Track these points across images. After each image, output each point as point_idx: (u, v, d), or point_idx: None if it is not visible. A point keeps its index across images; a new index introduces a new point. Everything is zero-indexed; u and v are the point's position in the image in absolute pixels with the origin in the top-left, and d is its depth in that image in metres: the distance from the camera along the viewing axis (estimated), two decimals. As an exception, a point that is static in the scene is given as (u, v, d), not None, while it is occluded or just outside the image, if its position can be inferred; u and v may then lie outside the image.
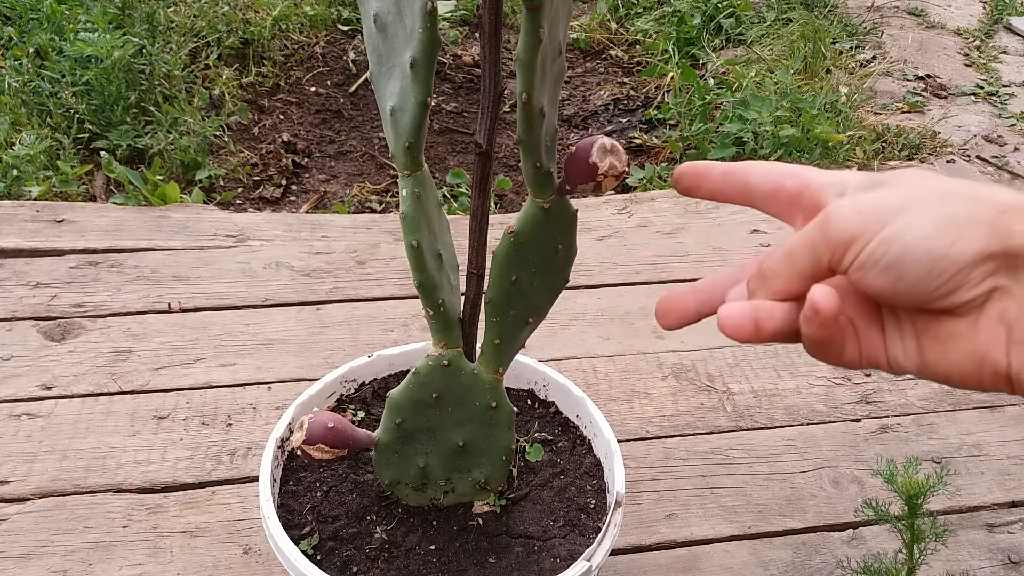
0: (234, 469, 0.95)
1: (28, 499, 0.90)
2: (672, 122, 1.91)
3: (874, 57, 2.23)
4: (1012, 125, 1.99)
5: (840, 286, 0.40)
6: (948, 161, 1.76)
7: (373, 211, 1.62)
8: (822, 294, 0.38)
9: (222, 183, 1.64)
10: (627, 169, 0.57)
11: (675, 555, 0.90)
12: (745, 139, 1.67)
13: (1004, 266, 0.37)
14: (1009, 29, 2.55)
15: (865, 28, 2.39)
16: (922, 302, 0.38)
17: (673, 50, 2.10)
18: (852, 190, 0.41)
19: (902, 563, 0.75)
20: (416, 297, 0.63)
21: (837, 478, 0.99)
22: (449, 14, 2.26)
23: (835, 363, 0.42)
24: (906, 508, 0.72)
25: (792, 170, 0.45)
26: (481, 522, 0.71)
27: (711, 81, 1.95)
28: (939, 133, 1.88)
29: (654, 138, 1.86)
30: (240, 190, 1.64)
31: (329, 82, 2.00)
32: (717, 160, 1.65)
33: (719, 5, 2.25)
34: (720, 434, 1.04)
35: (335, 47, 2.11)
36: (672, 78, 1.99)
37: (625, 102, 2.04)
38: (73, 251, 1.24)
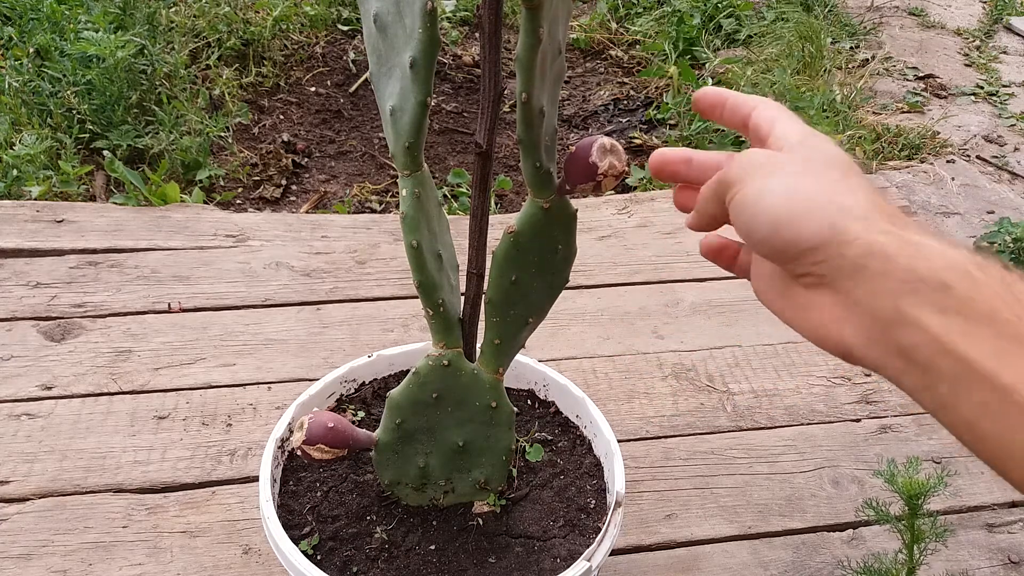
0: (234, 469, 0.95)
1: (28, 499, 0.90)
2: (672, 122, 1.91)
3: (874, 57, 2.23)
4: (1012, 125, 1.99)
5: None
6: (948, 161, 1.76)
7: (373, 211, 1.62)
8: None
9: (222, 183, 1.64)
10: (627, 169, 0.57)
11: (675, 555, 0.90)
12: (744, 138, 1.67)
13: (833, 261, 0.40)
14: (1009, 29, 2.55)
15: (865, 28, 2.39)
16: (772, 259, 0.43)
17: (670, 49, 2.10)
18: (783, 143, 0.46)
19: (902, 563, 0.74)
20: (416, 297, 0.63)
21: (837, 478, 0.99)
22: (449, 14, 2.26)
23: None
24: (906, 508, 0.72)
25: (766, 116, 0.49)
26: (481, 522, 0.71)
27: (710, 81, 1.95)
28: (939, 133, 1.88)
29: (654, 138, 1.86)
30: (240, 190, 1.64)
31: (329, 82, 2.00)
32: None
33: (719, 5, 2.25)
34: (720, 434, 1.04)
35: (335, 47, 2.11)
36: (671, 78, 1.99)
37: (625, 102, 2.04)
38: (73, 251, 1.24)
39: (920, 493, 0.70)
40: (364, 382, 0.82)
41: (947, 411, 0.37)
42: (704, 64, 2.11)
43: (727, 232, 0.53)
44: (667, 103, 1.91)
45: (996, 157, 1.84)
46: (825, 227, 0.39)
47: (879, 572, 0.76)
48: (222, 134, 1.69)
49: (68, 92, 1.59)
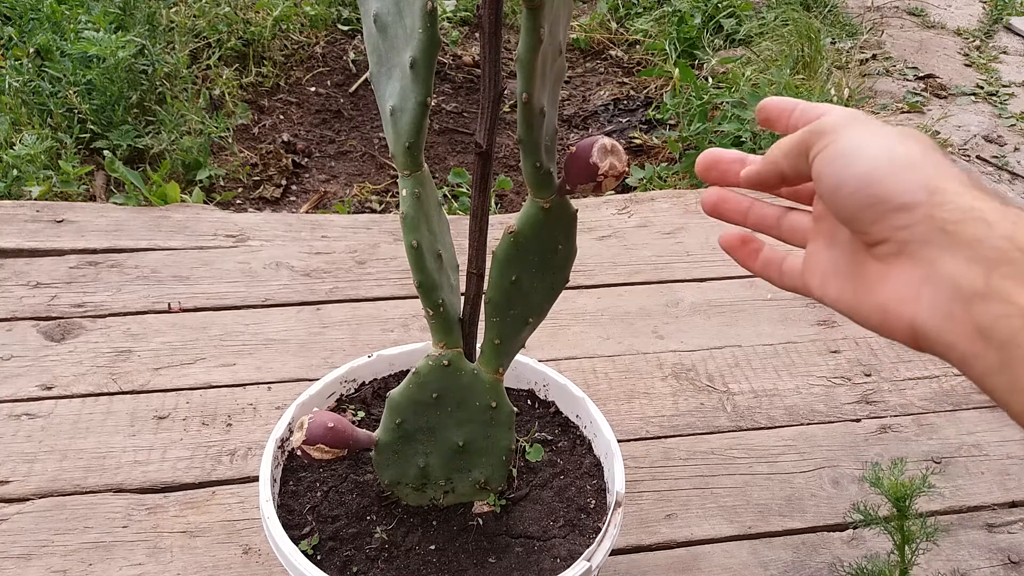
0: (234, 469, 0.95)
1: (28, 499, 0.90)
2: (672, 122, 1.91)
3: (874, 56, 2.23)
4: (1012, 125, 1.99)
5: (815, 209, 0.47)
6: (948, 161, 1.76)
7: (373, 211, 1.62)
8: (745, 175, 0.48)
9: (222, 183, 1.64)
10: (627, 169, 0.57)
11: (675, 555, 0.90)
12: (743, 139, 1.67)
13: (922, 225, 0.38)
14: (1009, 29, 2.55)
15: (865, 28, 2.39)
16: (854, 219, 0.41)
17: (670, 49, 2.10)
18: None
19: (894, 564, 0.75)
20: (416, 297, 0.63)
21: (837, 478, 0.99)
22: (450, 14, 2.26)
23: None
24: (895, 510, 0.72)
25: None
26: (481, 522, 0.71)
27: (710, 81, 1.95)
28: (939, 133, 1.89)
29: (654, 138, 1.86)
30: (240, 190, 1.64)
31: (329, 82, 2.00)
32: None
33: (719, 5, 2.25)
34: (720, 434, 1.04)
35: (335, 47, 2.11)
36: (671, 78, 1.99)
37: (625, 102, 2.04)
38: (73, 251, 1.24)
39: (906, 495, 0.70)
40: (364, 382, 0.82)
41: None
42: (703, 64, 2.11)
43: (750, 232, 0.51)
44: (666, 104, 1.91)
45: (996, 157, 1.84)
46: (921, 185, 0.38)
47: (872, 573, 0.76)
48: (222, 134, 1.69)
49: (68, 92, 1.59)
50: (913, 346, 0.39)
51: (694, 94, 1.87)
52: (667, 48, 2.11)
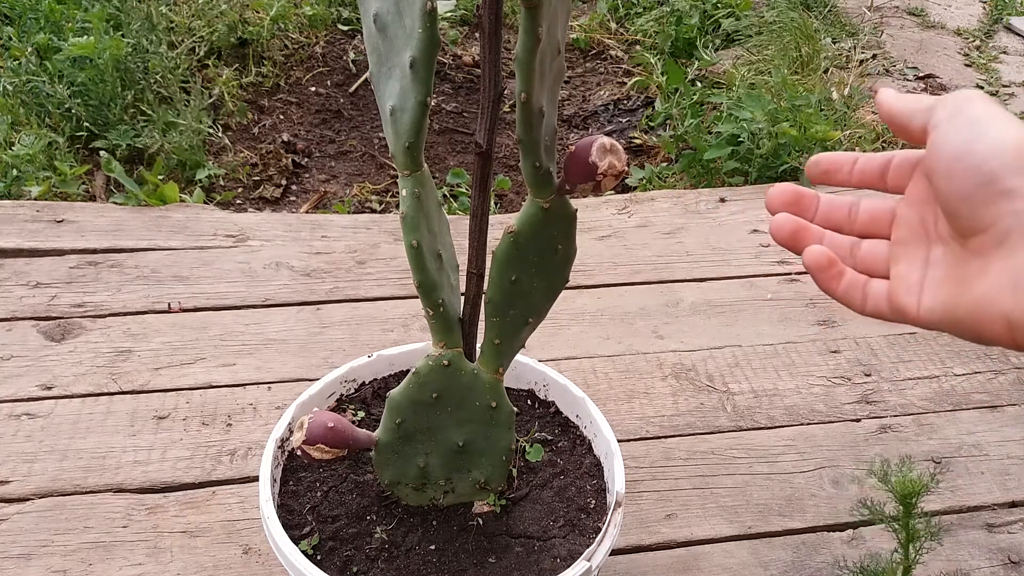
0: (234, 469, 0.95)
1: (28, 499, 0.90)
2: (670, 123, 1.91)
3: (874, 56, 2.23)
4: (1012, 125, 1.99)
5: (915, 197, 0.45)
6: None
7: (373, 211, 1.62)
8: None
9: (222, 183, 1.64)
10: (626, 169, 0.57)
11: (675, 555, 0.90)
12: (741, 138, 1.67)
13: None
14: (1009, 29, 2.55)
15: (865, 28, 2.39)
16: (966, 199, 0.40)
17: (668, 52, 2.10)
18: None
19: (898, 563, 0.75)
20: (416, 297, 0.63)
21: (837, 478, 0.99)
22: (449, 14, 2.26)
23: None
24: (900, 508, 0.72)
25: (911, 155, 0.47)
26: (481, 522, 0.71)
27: (707, 80, 1.95)
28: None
29: (654, 138, 1.86)
30: (240, 190, 1.64)
31: (329, 82, 2.00)
32: (713, 158, 1.63)
33: (717, 4, 2.25)
34: (720, 434, 1.04)
35: (335, 47, 2.11)
36: (660, 85, 1.99)
37: (625, 102, 2.04)
38: (73, 251, 1.24)
39: (914, 492, 0.70)
40: (364, 382, 0.82)
41: None
42: (698, 64, 2.10)
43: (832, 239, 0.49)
44: (658, 110, 1.92)
45: (996, 157, 1.84)
46: None
47: (875, 572, 0.76)
48: (221, 134, 1.69)
49: (64, 92, 1.58)
50: (1010, 343, 0.39)
51: (683, 95, 1.87)
52: (663, 51, 2.11)
